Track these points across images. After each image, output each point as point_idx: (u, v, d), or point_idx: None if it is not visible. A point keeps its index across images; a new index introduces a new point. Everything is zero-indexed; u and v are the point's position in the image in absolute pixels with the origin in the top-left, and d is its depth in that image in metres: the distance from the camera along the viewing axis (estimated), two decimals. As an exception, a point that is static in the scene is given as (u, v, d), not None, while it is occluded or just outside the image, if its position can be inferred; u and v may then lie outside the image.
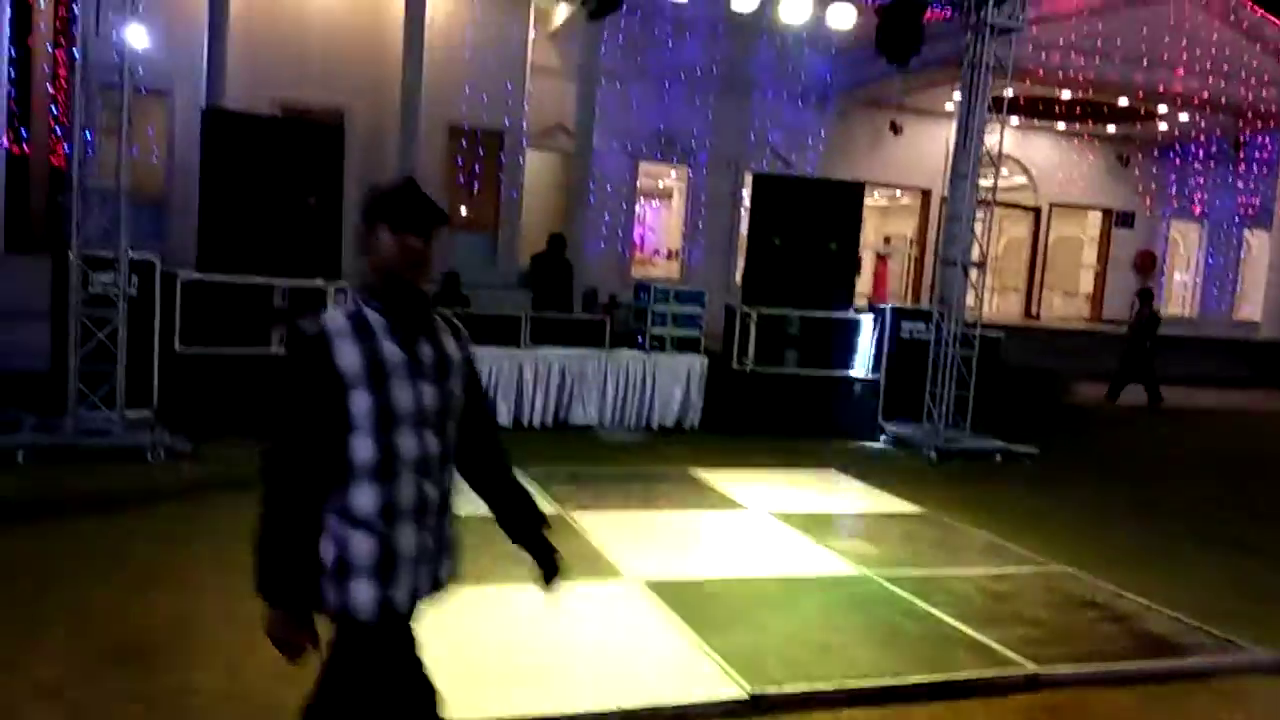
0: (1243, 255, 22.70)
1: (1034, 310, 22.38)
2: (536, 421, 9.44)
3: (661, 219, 23.61)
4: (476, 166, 16.12)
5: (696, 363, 9.99)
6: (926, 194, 21.12)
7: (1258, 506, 8.46)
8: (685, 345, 10.06)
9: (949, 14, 10.30)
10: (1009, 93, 10.33)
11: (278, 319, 8.47)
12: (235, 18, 14.32)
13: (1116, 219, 22.57)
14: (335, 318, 2.25)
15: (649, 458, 8.66)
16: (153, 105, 13.97)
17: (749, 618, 4.87)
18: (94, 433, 7.27)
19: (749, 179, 18.73)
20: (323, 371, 2.17)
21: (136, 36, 7.62)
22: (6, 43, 13.81)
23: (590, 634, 4.58)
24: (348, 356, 2.19)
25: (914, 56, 9.60)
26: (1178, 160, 21.59)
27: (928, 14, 9.87)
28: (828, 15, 9.12)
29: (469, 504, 2.66)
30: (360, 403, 2.19)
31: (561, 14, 16.78)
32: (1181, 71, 17.59)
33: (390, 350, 2.23)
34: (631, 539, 6.08)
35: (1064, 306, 23.41)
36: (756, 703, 3.95)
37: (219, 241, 8.38)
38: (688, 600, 4.99)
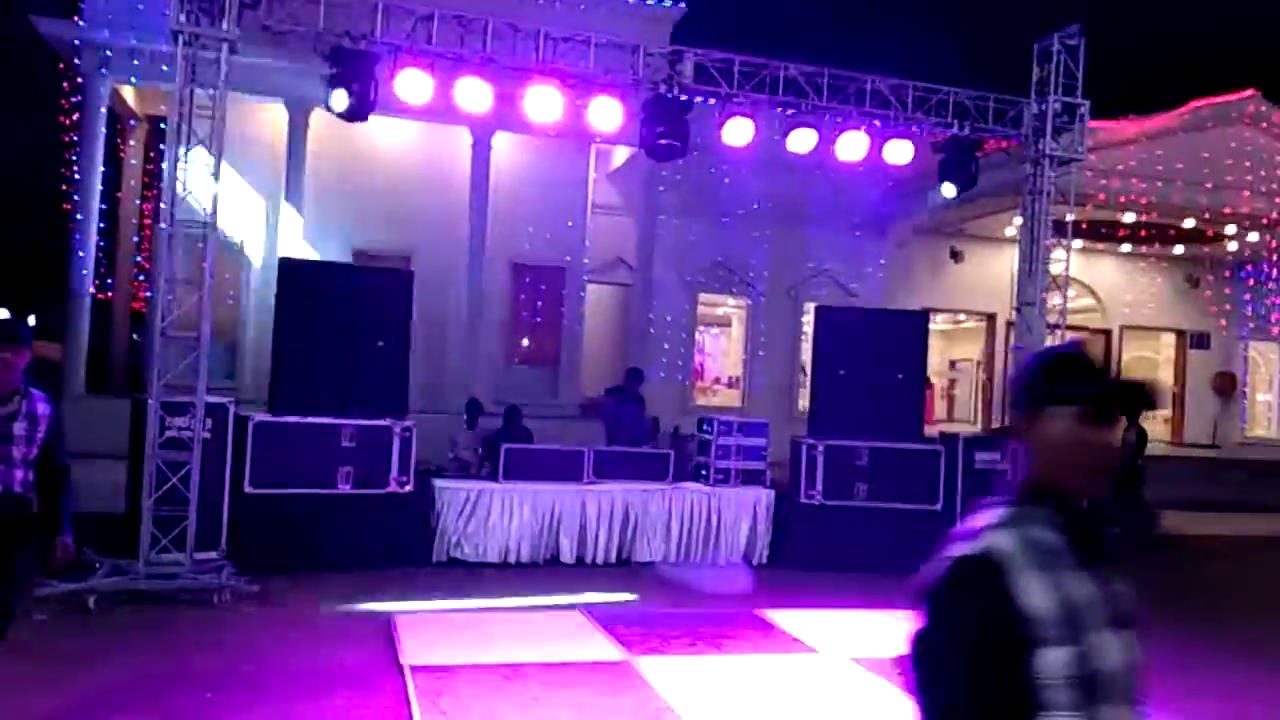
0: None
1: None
2: (600, 558, 9.29)
3: (721, 346, 23.72)
4: (539, 302, 16.45)
5: (763, 496, 9.81)
6: (991, 317, 20.94)
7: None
8: (750, 478, 9.90)
9: (1010, 143, 10.39)
10: (1070, 217, 10.31)
11: (346, 459, 8.56)
12: (311, 169, 15.06)
13: (1191, 340, 22.06)
14: (999, 539, 1.64)
15: (717, 597, 8.41)
16: (232, 253, 14.62)
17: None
18: (163, 576, 7.32)
19: (809, 308, 18.95)
20: (1000, 619, 1.55)
21: (218, 189, 8.01)
22: (98, 195, 14.68)
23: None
24: (1034, 595, 1.57)
25: (972, 188, 9.64)
26: (1251, 280, 21.16)
27: (989, 143, 9.97)
28: (885, 152, 9.23)
29: None
30: (1053, 663, 1.55)
31: (622, 154, 17.35)
32: (1248, 193, 17.41)
33: (1082, 586, 1.63)
34: (699, 686, 5.85)
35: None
36: None
37: (291, 384, 8.58)
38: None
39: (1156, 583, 9.76)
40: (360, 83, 7.85)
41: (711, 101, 8.92)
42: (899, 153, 9.41)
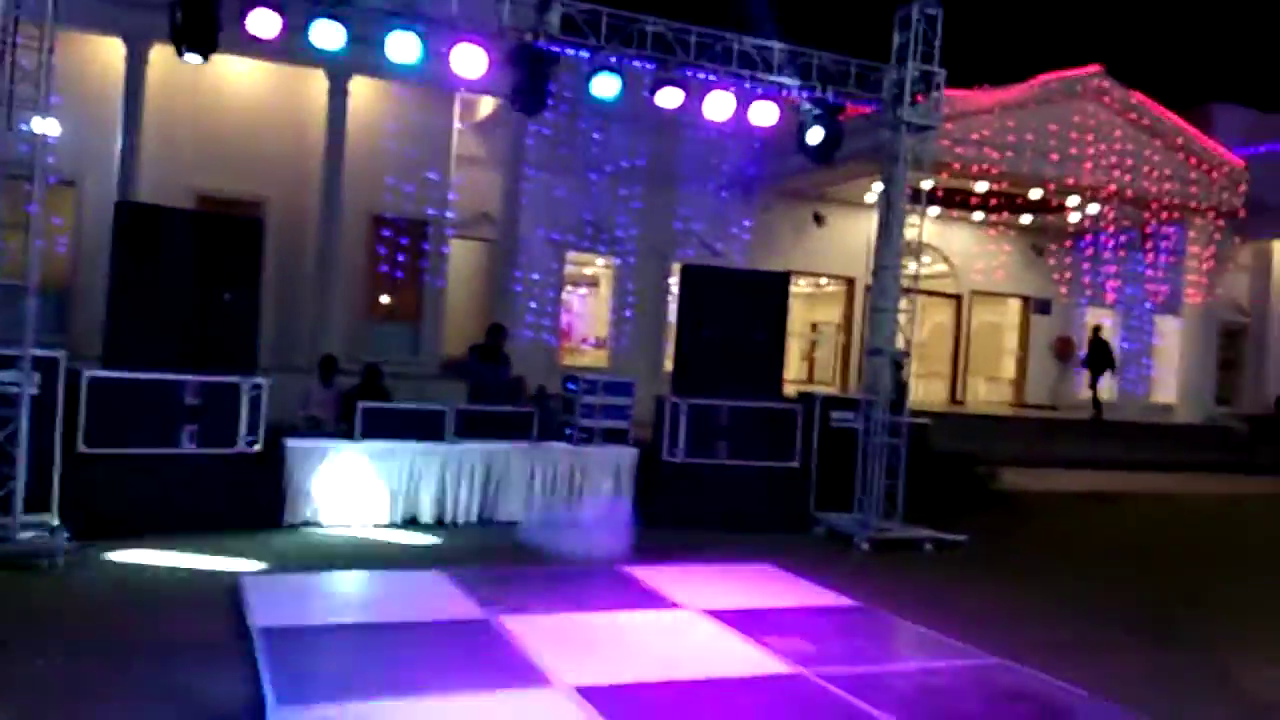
0: (1156, 341, 23.49)
1: (959, 395, 22.77)
2: (461, 518, 9.16)
3: (589, 306, 23.65)
4: (400, 256, 15.99)
5: (627, 454, 9.85)
6: (851, 281, 21.54)
7: (1181, 594, 8.51)
8: (614, 437, 9.92)
9: (870, 109, 10.61)
10: (927, 185, 10.63)
11: (190, 417, 8.14)
12: (150, 106, 14.15)
13: (1035, 306, 23.26)
14: None
15: (578, 556, 8.42)
16: (61, 195, 13.61)
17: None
18: (-12, 540, 6.82)
19: (676, 268, 19.06)
20: None
21: (47, 127, 7.42)
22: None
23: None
24: None
25: (835, 150, 9.81)
26: (1090, 250, 22.42)
27: (849, 109, 10.15)
28: (750, 113, 9.28)
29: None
30: None
31: (487, 105, 16.96)
32: (1089, 165, 18.37)
33: None
34: (562, 644, 5.83)
35: (988, 391, 23.87)
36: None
37: (129, 337, 8.07)
38: (620, 707, 4.77)
39: (993, 533, 10.34)
40: (204, 12, 7.36)
41: (580, 54, 8.76)
42: (764, 114, 9.48)
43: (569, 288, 20.08)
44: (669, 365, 18.21)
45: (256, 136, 14.97)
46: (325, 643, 5.71)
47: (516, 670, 5.32)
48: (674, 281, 19.10)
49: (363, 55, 8.52)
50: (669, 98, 9.09)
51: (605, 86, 8.79)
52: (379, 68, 11.41)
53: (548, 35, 8.41)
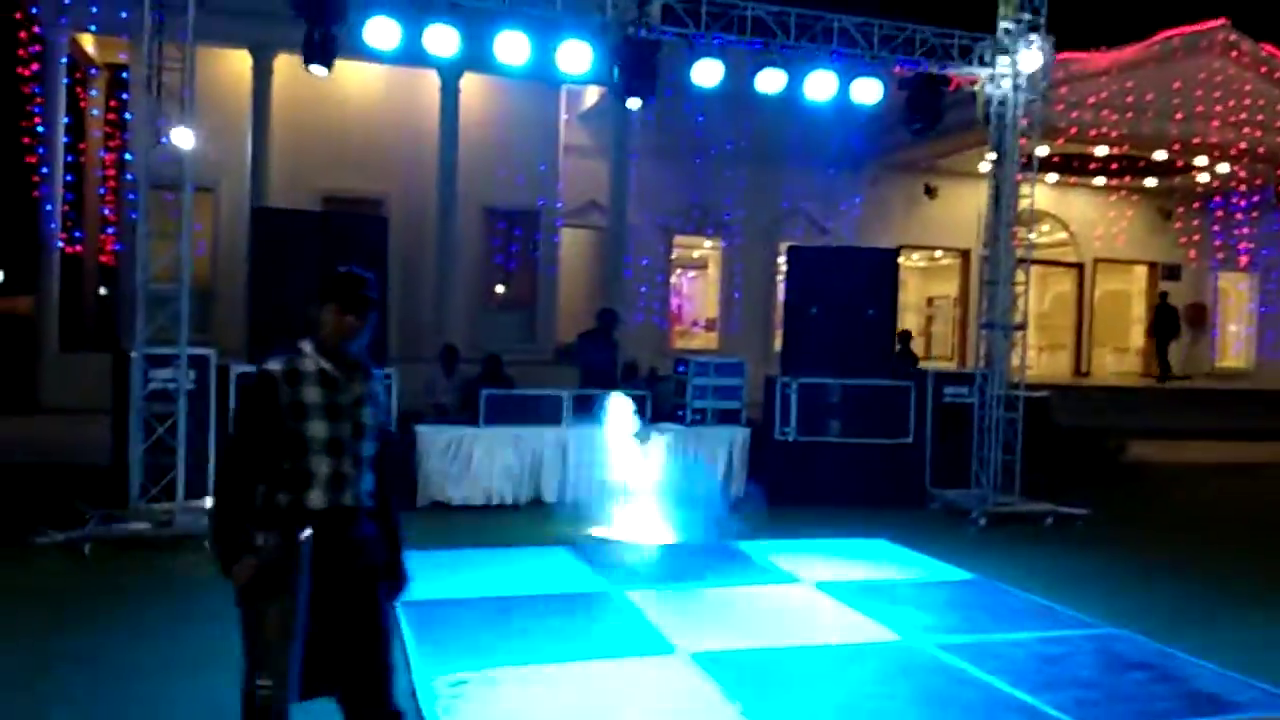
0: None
1: (1083, 367, 22.11)
2: (583, 496, 9.49)
3: (697, 289, 23.83)
4: (513, 246, 16.48)
5: (739, 434, 10.03)
6: (965, 254, 21.12)
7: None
8: (727, 417, 10.11)
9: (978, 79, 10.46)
10: (1042, 151, 10.41)
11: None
12: (277, 114, 14.94)
13: (1163, 272, 22.35)
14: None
15: (695, 532, 8.64)
16: (199, 201, 14.51)
17: (803, 689, 4.86)
18: (157, 524, 7.47)
19: (783, 248, 19.05)
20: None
21: (186, 138, 7.98)
22: (63, 146, 14.55)
23: (638, 710, 4.61)
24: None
25: (939, 123, 9.74)
26: (1220, 212, 21.40)
27: (955, 80, 10.05)
28: (853, 90, 9.30)
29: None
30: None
31: (592, 95, 17.28)
32: (1217, 123, 17.56)
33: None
34: (683, 613, 6.10)
35: (1115, 363, 23.08)
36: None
37: (268, 333, 8.65)
38: (740, 673, 4.99)
39: (1117, 507, 10.14)
40: (325, 29, 7.83)
41: (681, 41, 8.93)
42: (867, 91, 9.47)
43: (677, 271, 20.32)
44: (779, 345, 18.42)
45: (375, 136, 15.65)
46: (463, 615, 6.07)
47: (640, 639, 5.60)
48: (782, 261, 19.14)
49: (472, 52, 8.84)
50: (771, 81, 9.19)
51: (707, 74, 8.96)
52: (488, 65, 11.79)
53: (649, 25, 8.61)
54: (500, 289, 16.85)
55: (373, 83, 15.68)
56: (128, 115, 14.66)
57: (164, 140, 7.86)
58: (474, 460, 9.22)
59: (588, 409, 9.60)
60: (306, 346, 3.16)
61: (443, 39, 8.21)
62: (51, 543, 7.12)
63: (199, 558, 7.21)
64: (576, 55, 8.56)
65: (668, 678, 5.04)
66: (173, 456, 7.66)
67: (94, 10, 13.54)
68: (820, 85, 9.29)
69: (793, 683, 4.96)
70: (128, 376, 7.83)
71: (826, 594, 6.65)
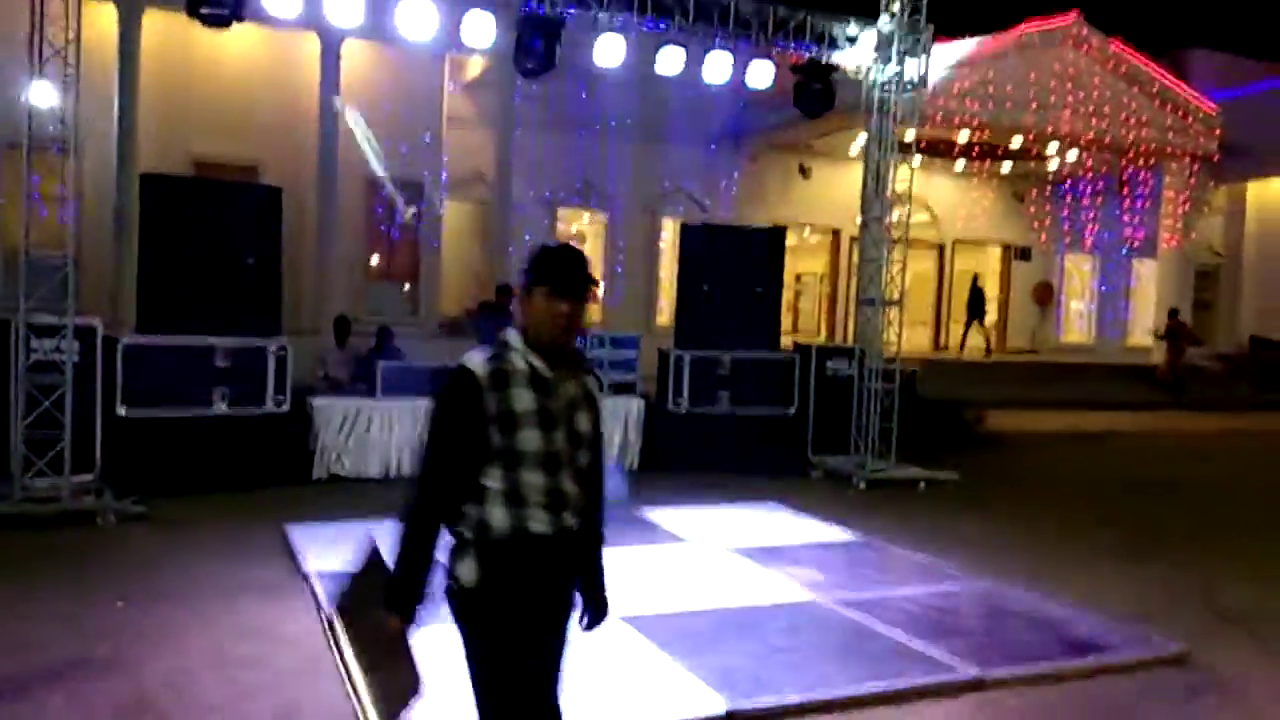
0: (1132, 284, 24.12)
1: (942, 342, 23.35)
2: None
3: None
4: (396, 217, 16.26)
5: (634, 405, 10.30)
6: (836, 233, 21.96)
7: (1161, 521, 9.10)
8: (622, 389, 10.37)
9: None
10: (910, 136, 10.99)
11: (221, 379, 8.50)
12: (145, 73, 14.27)
13: (1015, 253, 23.79)
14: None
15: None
16: (58, 162, 13.78)
17: (717, 642, 5.17)
18: (43, 499, 7.21)
19: (666, 223, 19.41)
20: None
21: (43, 94, 7.61)
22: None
23: (595, 667, 4.80)
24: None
25: (830, 108, 10.18)
26: (1069, 197, 22.93)
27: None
28: (748, 74, 9.62)
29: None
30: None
31: (476, 66, 17.13)
32: (1068, 113, 18.78)
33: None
34: (592, 578, 6.32)
35: (970, 338, 24.44)
36: (733, 717, 4.26)
37: (159, 304, 8.41)
38: (658, 628, 5.26)
39: (982, 471, 10.90)
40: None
41: (584, 17, 9.05)
42: (761, 74, 9.83)
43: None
44: (661, 319, 18.81)
45: (251, 100, 15.13)
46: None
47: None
48: (665, 236, 19.50)
49: (372, 22, 8.73)
50: (669, 60, 9.42)
51: (610, 52, 9.10)
52: (370, 30, 11.60)
53: (552, 2, 8.70)
54: (383, 260, 16.59)
55: (248, 44, 15.12)
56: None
57: (22, 98, 7.47)
58: (371, 431, 9.19)
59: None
60: (512, 338, 2.62)
61: (346, 8, 8.10)
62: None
63: (90, 535, 7.04)
64: (480, 28, 8.57)
65: (605, 637, 5.24)
66: (60, 430, 7.38)
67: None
68: (716, 68, 9.57)
69: (711, 637, 5.26)
70: (6, 347, 7.49)
71: (730, 555, 7.00)
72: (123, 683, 4.45)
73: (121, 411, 8.10)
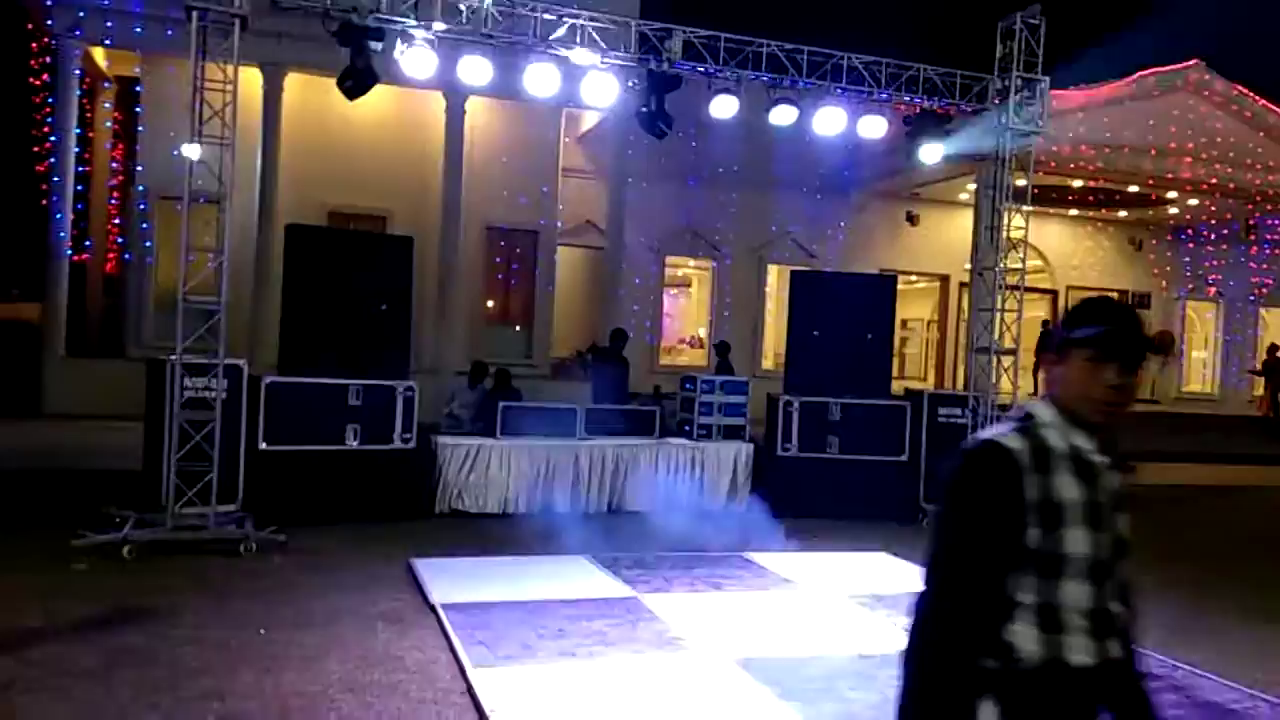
0: (1259, 333, 23.15)
1: (1056, 390, 22.75)
2: (593, 507, 9.87)
3: (680, 306, 24.23)
4: (513, 264, 16.84)
5: (743, 449, 10.44)
6: (944, 279, 21.75)
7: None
8: (731, 433, 10.52)
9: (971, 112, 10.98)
10: (1022, 183, 10.95)
11: (353, 417, 8.99)
12: (286, 129, 15.21)
13: (1134, 300, 23.11)
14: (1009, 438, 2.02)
15: (705, 542, 9.01)
16: (207, 214, 14.77)
17: (832, 690, 5.24)
18: (191, 528, 7.73)
19: (771, 269, 19.57)
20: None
21: (194, 151, 8.24)
22: (74, 157, 14.72)
23: (684, 708, 4.96)
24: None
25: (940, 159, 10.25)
26: (1190, 243, 22.23)
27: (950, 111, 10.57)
28: (859, 126, 9.79)
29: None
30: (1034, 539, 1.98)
31: (590, 119, 17.69)
32: (1189, 159, 18.31)
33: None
34: (705, 618, 6.47)
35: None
36: (853, 763, 4.33)
37: (300, 346, 8.97)
38: (773, 673, 5.36)
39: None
40: (365, 58, 8.18)
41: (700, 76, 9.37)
42: (873, 127, 9.97)
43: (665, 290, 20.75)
44: (765, 363, 18.90)
45: (381, 155, 15.96)
46: (501, 615, 6.40)
47: (672, 641, 5.95)
48: (770, 281, 19.66)
49: (501, 82, 9.21)
50: (783, 115, 9.65)
51: (724, 108, 9.40)
52: (494, 88, 12.19)
53: (671, 60, 9.04)
54: (499, 305, 17.18)
55: (378, 102, 15.97)
56: (139, 128, 14.86)
57: (174, 153, 8.09)
58: (490, 470, 9.55)
59: (600, 423, 10.00)
60: (1041, 410, 2.10)
61: (476, 70, 8.59)
62: (89, 543, 7.36)
63: (233, 562, 7.51)
64: (603, 88, 8.97)
65: (708, 677, 5.39)
66: (209, 462, 7.91)
67: (107, 24, 13.78)
68: (829, 120, 9.77)
69: (827, 684, 5.34)
70: (162, 384, 8.09)
71: (842, 601, 7.05)
72: (264, 706, 4.75)
73: (263, 446, 8.63)
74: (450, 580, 7.11)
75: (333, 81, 8.84)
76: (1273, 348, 20.41)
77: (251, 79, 15.16)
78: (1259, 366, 20.48)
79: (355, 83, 8.32)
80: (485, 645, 5.68)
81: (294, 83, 15.14)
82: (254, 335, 13.99)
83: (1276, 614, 7.42)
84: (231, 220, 15.35)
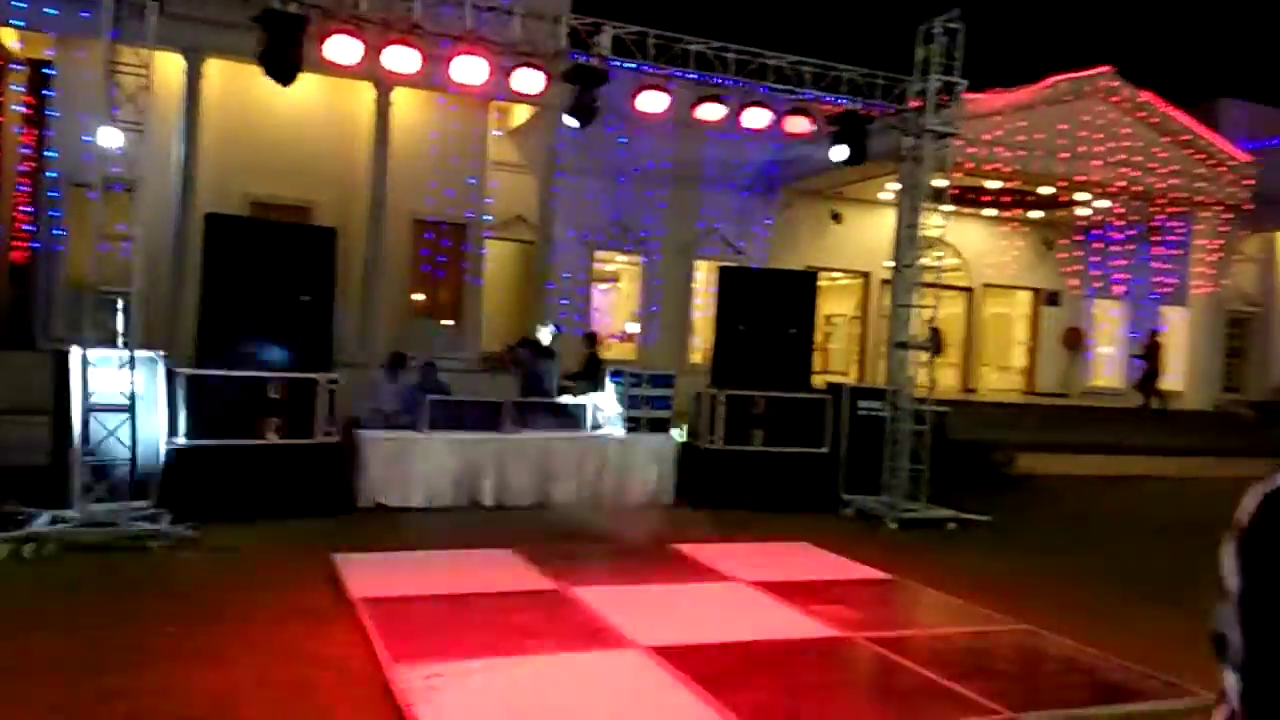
0: (1163, 330, 24.08)
1: (971, 384, 23.40)
2: (519, 501, 9.86)
3: (609, 302, 24.26)
4: (440, 257, 16.68)
5: (669, 443, 10.53)
6: (866, 276, 22.18)
7: (1191, 568, 9.15)
8: (657, 426, 10.60)
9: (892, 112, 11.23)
10: (942, 184, 11.22)
11: (274, 410, 8.83)
12: (209, 117, 14.82)
13: (1044, 298, 23.88)
14: None
15: (631, 534, 9.08)
16: (122, 201, 14.32)
17: (752, 678, 5.34)
18: (102, 525, 7.52)
19: (700, 265, 19.73)
20: None
21: (110, 137, 8.01)
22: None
23: (606, 697, 5.01)
24: None
25: (862, 159, 10.47)
26: (1098, 243, 23.06)
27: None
28: (785, 124, 9.95)
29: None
30: None
31: (520, 113, 17.61)
32: (1098, 163, 18.98)
33: None
34: (630, 610, 6.52)
35: (1000, 380, 24.50)
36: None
37: (219, 338, 8.78)
38: (692, 664, 5.43)
39: (1012, 513, 10.99)
40: (288, 45, 8.03)
41: (628, 71, 9.42)
42: (797, 125, 10.14)
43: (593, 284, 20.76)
44: (694, 357, 19.06)
45: (306, 145, 15.65)
46: (421, 611, 6.37)
47: (594, 633, 6.00)
48: (699, 277, 19.81)
49: (427, 72, 9.12)
50: (710, 111, 9.76)
51: (652, 103, 9.46)
52: (422, 79, 12.03)
53: (600, 55, 9.07)
54: (427, 298, 16.98)
55: (304, 92, 15.65)
56: (51, 113, 14.32)
57: (86, 139, 7.88)
58: (415, 464, 9.48)
59: (528, 416, 9.99)
60: None
61: (403, 59, 8.50)
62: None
63: (146, 559, 7.32)
64: (531, 80, 8.95)
65: (631, 669, 5.45)
66: (118, 458, 7.70)
67: (20, 4, 13.27)
68: (756, 118, 9.91)
69: (746, 674, 5.44)
70: (69, 376, 7.85)
71: (762, 592, 7.17)
72: (172, 705, 4.65)
73: (179, 440, 8.43)
74: (371, 575, 7.04)
75: (258, 70, 8.65)
76: (1152, 334, 21.48)
77: (173, 65, 14.76)
78: (1142, 352, 21.57)
79: (278, 70, 8.15)
80: (405, 640, 5.64)
81: (218, 70, 14.78)
82: (172, 327, 13.63)
83: (1174, 598, 7.77)
84: (149, 209, 15.05)
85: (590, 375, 11.56)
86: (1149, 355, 21.23)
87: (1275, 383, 23.46)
